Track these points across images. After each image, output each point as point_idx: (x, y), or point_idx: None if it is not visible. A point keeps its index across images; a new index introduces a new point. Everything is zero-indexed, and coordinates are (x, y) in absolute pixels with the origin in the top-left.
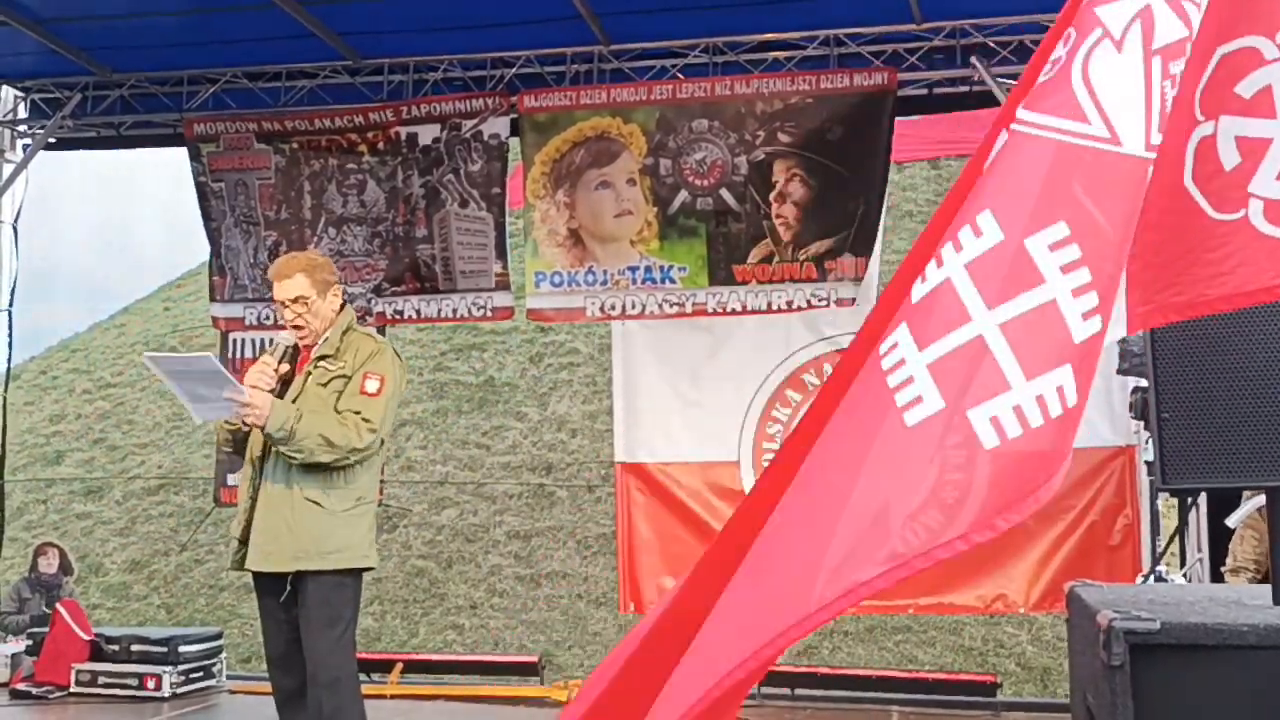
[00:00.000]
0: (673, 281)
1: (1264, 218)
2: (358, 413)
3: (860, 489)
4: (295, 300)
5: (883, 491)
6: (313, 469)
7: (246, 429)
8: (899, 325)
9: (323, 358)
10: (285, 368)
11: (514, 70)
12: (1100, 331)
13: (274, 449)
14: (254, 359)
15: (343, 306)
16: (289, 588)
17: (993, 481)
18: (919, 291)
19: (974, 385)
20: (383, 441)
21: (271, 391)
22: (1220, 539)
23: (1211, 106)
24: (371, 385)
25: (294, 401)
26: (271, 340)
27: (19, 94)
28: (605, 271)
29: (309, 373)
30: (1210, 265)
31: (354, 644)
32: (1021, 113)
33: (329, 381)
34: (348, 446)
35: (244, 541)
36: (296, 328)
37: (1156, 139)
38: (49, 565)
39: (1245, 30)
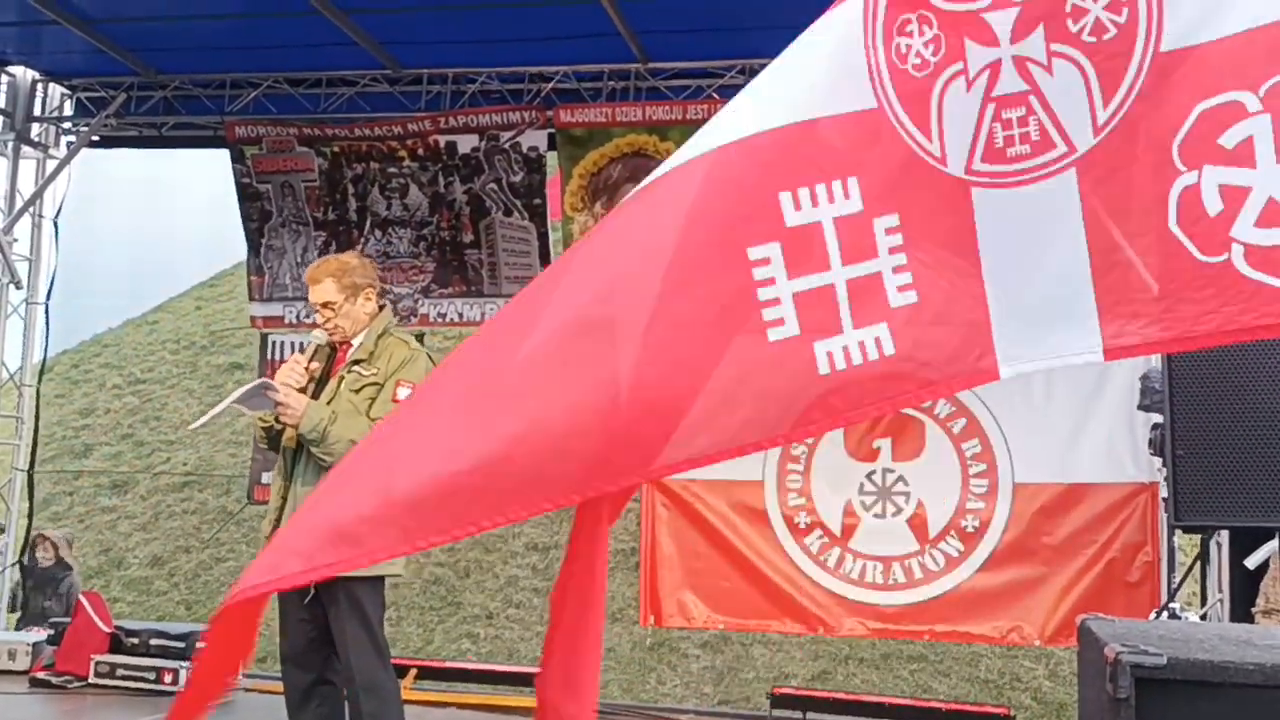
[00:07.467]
0: None
1: (1245, 261)
2: None
3: (719, 375)
4: (323, 305)
5: (737, 389)
6: None
7: (280, 427)
8: (770, 241)
9: (356, 362)
10: (316, 366)
11: (551, 85)
12: (914, 304)
13: (305, 450)
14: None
15: (381, 309)
16: (313, 590)
17: (821, 396)
18: (793, 218)
19: (822, 322)
20: None
21: (302, 389)
22: (1243, 580)
23: (1193, 158)
24: (404, 394)
25: (328, 404)
26: (307, 340)
27: (65, 92)
28: None
29: (342, 377)
30: (1197, 304)
31: (387, 646)
32: (898, 108)
33: (361, 389)
34: None
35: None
36: (327, 330)
37: (978, 166)
38: (46, 558)
39: (1229, 86)
